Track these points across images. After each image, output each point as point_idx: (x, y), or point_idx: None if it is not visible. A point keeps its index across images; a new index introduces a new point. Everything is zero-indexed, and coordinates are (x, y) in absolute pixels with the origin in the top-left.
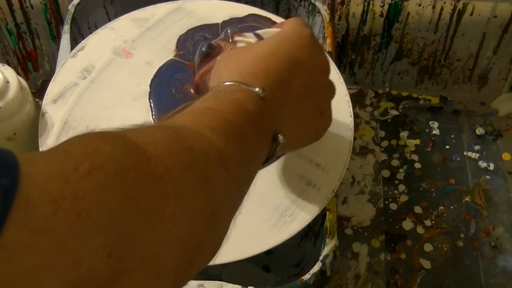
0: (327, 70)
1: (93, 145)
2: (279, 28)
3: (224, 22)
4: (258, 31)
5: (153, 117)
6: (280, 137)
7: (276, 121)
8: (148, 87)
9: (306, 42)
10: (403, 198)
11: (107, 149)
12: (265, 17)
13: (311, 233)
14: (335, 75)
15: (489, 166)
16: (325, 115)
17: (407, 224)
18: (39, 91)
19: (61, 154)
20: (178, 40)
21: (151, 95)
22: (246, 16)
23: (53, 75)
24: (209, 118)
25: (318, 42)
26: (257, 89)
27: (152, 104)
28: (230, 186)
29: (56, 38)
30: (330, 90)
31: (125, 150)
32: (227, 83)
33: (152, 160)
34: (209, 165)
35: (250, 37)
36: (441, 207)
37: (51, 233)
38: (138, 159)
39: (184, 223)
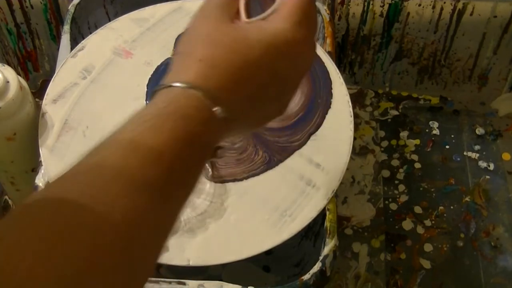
0: (306, 77)
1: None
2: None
3: None
4: None
5: None
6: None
7: (227, 137)
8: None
9: (295, 52)
10: (403, 198)
11: None
12: None
13: (311, 233)
14: (335, 75)
15: (489, 166)
16: (283, 103)
17: (407, 224)
18: (39, 91)
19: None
20: (176, 39)
21: (148, 95)
22: None
23: (53, 75)
24: (141, 160)
25: (309, 48)
26: (217, 109)
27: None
28: (152, 240)
29: (56, 38)
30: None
31: None
32: (188, 90)
33: None
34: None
35: None
36: (441, 207)
37: None
38: None
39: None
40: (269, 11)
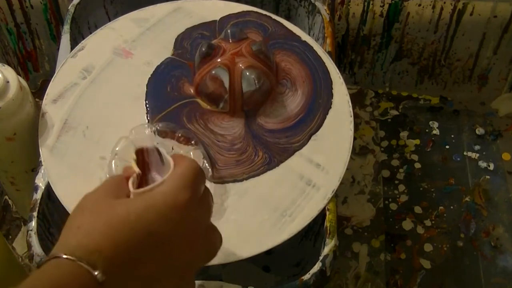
0: (194, 246)
1: None
2: (172, 166)
3: (222, 18)
4: (161, 150)
5: (148, 117)
6: None
7: None
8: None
9: (175, 216)
10: (403, 198)
11: None
12: (265, 14)
13: (311, 233)
14: (335, 75)
15: (489, 166)
16: (186, 282)
17: (407, 224)
18: (39, 91)
19: None
20: (176, 39)
21: (147, 95)
22: (244, 12)
23: (53, 75)
24: None
25: (193, 213)
26: (97, 273)
27: (147, 104)
28: None
29: (56, 38)
30: (195, 263)
31: None
32: (69, 259)
33: None
34: None
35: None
36: (441, 207)
37: None
38: None
39: None
40: (157, 182)
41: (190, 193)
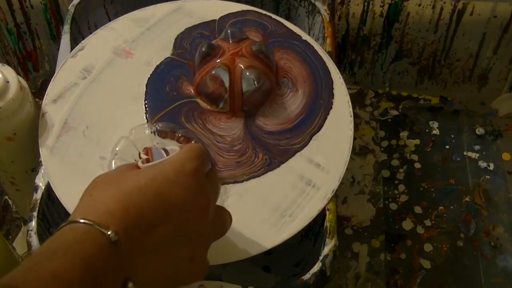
0: (204, 214)
1: None
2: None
3: (221, 17)
4: (168, 148)
5: (147, 117)
6: (130, 285)
7: (128, 267)
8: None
9: (184, 181)
10: (403, 198)
11: None
12: (264, 13)
13: (311, 233)
14: (335, 75)
15: (489, 166)
16: (196, 262)
17: (407, 224)
18: (39, 91)
19: None
20: (176, 39)
21: (146, 95)
22: (244, 11)
23: (53, 75)
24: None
25: (201, 181)
26: (109, 233)
27: (146, 104)
28: None
29: (56, 38)
30: (207, 236)
31: None
32: (81, 222)
33: None
34: None
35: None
36: (441, 207)
37: None
38: None
39: None
40: (165, 157)
41: (197, 164)
